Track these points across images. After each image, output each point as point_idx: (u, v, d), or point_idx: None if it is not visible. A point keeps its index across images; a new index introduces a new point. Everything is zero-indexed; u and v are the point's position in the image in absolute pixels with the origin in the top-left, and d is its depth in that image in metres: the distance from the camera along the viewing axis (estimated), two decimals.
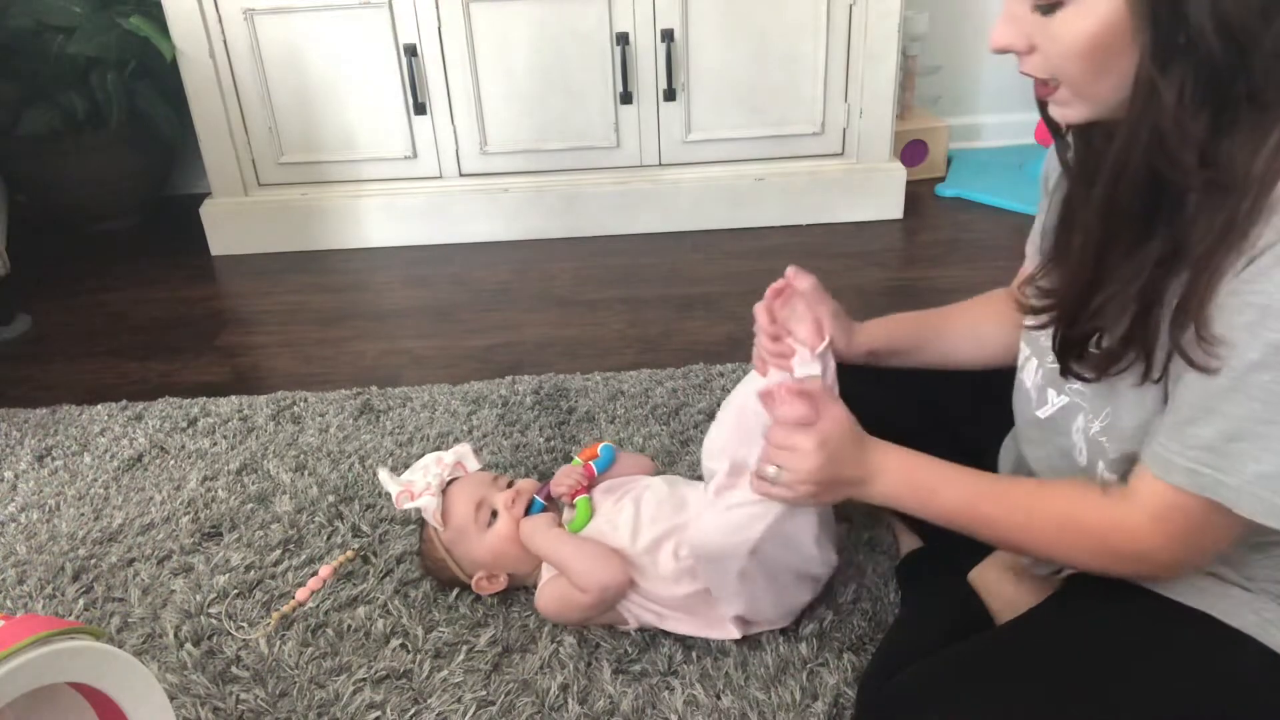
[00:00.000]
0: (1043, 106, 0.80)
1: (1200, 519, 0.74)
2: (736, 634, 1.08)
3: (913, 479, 0.90)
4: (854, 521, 1.26)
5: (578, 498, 1.15)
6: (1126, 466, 0.81)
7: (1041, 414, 0.91)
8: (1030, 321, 0.89)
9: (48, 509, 1.42)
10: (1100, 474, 0.85)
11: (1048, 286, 0.88)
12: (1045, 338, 0.87)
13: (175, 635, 1.15)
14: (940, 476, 0.89)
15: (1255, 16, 0.65)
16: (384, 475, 1.17)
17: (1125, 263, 0.76)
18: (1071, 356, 0.83)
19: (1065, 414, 0.88)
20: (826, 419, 0.90)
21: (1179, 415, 0.74)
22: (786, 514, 0.97)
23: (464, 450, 1.21)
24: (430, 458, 1.19)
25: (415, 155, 2.25)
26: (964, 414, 1.08)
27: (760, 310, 1.03)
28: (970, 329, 1.08)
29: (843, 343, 1.04)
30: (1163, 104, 0.68)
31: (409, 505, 1.15)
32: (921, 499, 0.90)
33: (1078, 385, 0.85)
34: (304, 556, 1.27)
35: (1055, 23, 0.71)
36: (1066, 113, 0.77)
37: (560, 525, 1.13)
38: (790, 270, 1.02)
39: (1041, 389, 0.91)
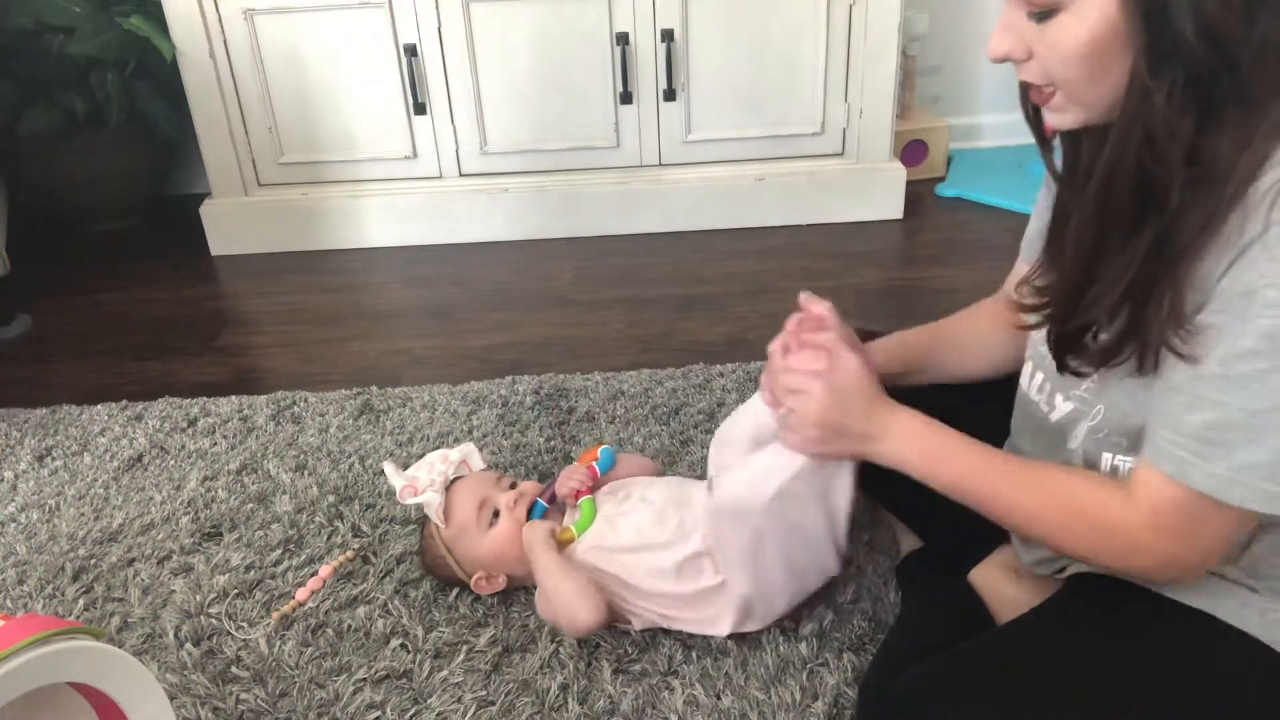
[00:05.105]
0: (1030, 115, 0.82)
1: (1195, 512, 0.74)
2: (728, 628, 1.07)
3: (922, 443, 0.90)
4: (854, 522, 1.26)
5: (581, 499, 1.15)
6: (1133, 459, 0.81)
7: (1054, 418, 0.90)
8: (1027, 320, 0.90)
9: (48, 509, 1.42)
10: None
11: (1042, 285, 0.88)
12: (1044, 344, 0.88)
13: (175, 635, 1.15)
14: (950, 445, 0.89)
15: (1239, 20, 0.66)
16: (389, 469, 1.17)
17: (1116, 259, 0.76)
18: (1068, 353, 0.83)
19: (1070, 420, 0.88)
20: (839, 368, 0.91)
21: (1172, 404, 0.74)
22: (806, 471, 0.96)
23: (469, 449, 1.21)
24: (435, 455, 1.19)
25: (415, 155, 2.25)
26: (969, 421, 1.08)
27: (776, 347, 0.99)
28: (979, 339, 1.08)
29: None
30: (1154, 106, 0.69)
31: (411, 501, 1.15)
32: (929, 466, 0.90)
33: (1080, 390, 0.85)
34: (304, 556, 1.27)
35: (1051, 30, 0.72)
36: (1063, 118, 0.77)
37: (559, 533, 1.13)
38: (803, 297, 1.00)
39: (1050, 395, 0.91)
